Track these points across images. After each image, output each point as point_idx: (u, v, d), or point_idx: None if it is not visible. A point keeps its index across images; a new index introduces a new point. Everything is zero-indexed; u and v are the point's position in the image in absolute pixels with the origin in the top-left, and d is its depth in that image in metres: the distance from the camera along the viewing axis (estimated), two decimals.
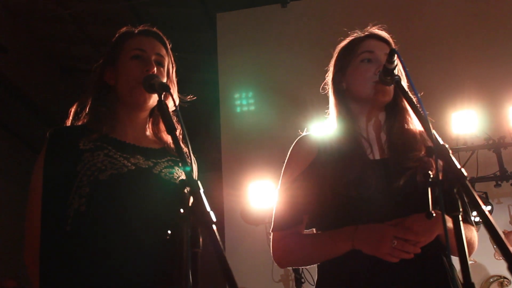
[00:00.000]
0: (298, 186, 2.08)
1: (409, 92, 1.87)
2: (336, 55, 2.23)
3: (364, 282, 1.89)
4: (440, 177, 1.51)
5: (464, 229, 1.64)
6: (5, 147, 7.61)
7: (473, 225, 2.04)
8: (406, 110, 2.09)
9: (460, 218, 1.44)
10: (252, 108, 6.22)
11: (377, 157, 2.04)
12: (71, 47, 7.76)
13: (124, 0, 6.60)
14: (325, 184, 1.99)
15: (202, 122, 6.71)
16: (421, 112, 1.72)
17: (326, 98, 2.26)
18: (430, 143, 1.99)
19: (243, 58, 6.41)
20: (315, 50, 5.55)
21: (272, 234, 2.12)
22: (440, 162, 1.50)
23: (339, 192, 1.95)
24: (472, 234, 2.01)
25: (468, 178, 1.46)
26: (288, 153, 2.17)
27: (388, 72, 1.87)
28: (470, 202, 1.43)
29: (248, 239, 5.79)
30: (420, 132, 2.07)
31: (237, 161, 6.02)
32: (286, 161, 2.16)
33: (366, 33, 2.19)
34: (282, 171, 2.16)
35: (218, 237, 1.39)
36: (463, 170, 1.46)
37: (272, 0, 6.48)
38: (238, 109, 6.26)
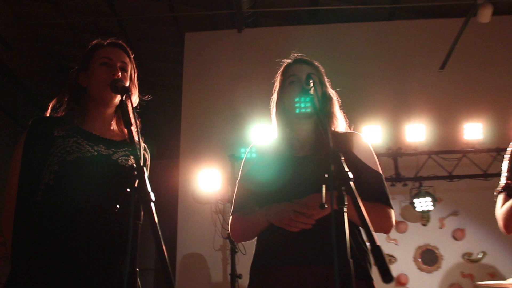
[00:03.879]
0: (245, 180, 2.16)
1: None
2: (277, 80, 2.25)
3: (270, 247, 1.97)
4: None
5: (373, 208, 1.85)
6: (6, 130, 7.39)
7: (388, 207, 2.01)
8: (334, 116, 2.16)
9: (345, 210, 1.45)
10: (206, 115, 6.18)
11: (307, 153, 2.08)
12: (67, 50, 7.60)
13: (113, 16, 6.49)
14: (259, 178, 2.07)
15: (167, 120, 6.69)
16: (325, 124, 1.74)
17: (264, 114, 2.29)
18: (349, 144, 2.07)
19: (205, 71, 6.39)
20: (264, 72, 5.58)
21: (230, 217, 2.18)
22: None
23: (265, 183, 2.03)
24: (379, 212, 1.99)
25: (353, 180, 1.48)
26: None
27: (305, 92, 1.90)
28: (350, 199, 1.44)
29: (196, 215, 5.79)
30: (342, 133, 2.14)
31: (192, 153, 6.00)
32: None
33: (292, 59, 2.23)
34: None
35: (154, 212, 1.42)
36: (349, 173, 1.49)
37: (231, 25, 6.45)
38: (195, 114, 6.24)
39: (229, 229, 2.17)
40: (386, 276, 1.35)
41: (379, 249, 1.36)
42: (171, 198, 5.82)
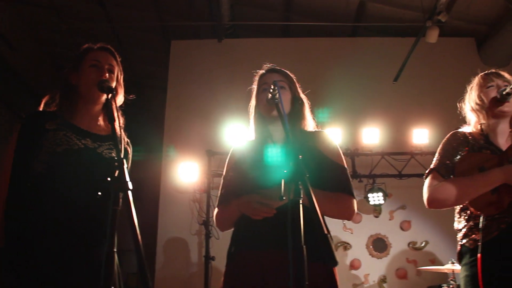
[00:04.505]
0: (228, 176, 2.16)
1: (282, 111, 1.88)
2: (253, 89, 2.25)
3: (241, 234, 1.98)
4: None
5: (336, 197, 1.89)
6: (6, 122, 7.23)
7: (350, 196, 1.98)
8: (303, 117, 2.15)
9: (300, 202, 1.45)
10: (187, 114, 6.13)
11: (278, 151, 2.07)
12: (65, 52, 7.46)
13: (107, 23, 6.40)
14: (238, 174, 2.09)
15: (153, 118, 6.63)
16: (286, 124, 1.75)
17: (238, 115, 2.26)
18: (316, 141, 2.06)
19: (188, 75, 6.36)
20: (240, 77, 5.57)
21: (215, 209, 2.18)
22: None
23: (243, 178, 2.05)
24: (342, 201, 1.97)
25: (308, 176, 1.48)
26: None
27: (271, 97, 1.90)
28: (304, 191, 1.45)
29: (176, 203, 5.76)
30: (310, 132, 2.14)
31: (174, 147, 5.96)
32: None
33: (265, 70, 2.24)
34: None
35: (131, 200, 1.40)
36: (305, 170, 1.49)
37: (212, 35, 6.42)
38: (178, 113, 6.19)
39: (214, 220, 2.17)
40: (331, 260, 1.36)
41: (326, 237, 1.37)
42: (153, 188, 5.78)
